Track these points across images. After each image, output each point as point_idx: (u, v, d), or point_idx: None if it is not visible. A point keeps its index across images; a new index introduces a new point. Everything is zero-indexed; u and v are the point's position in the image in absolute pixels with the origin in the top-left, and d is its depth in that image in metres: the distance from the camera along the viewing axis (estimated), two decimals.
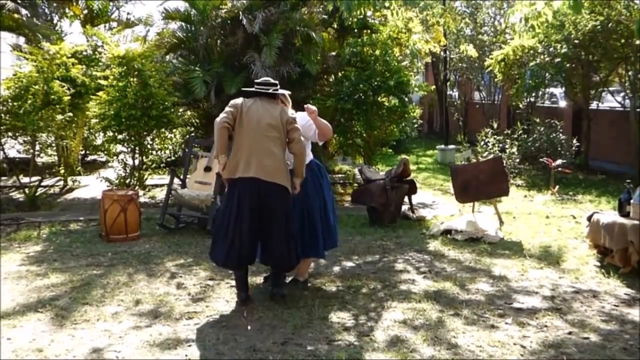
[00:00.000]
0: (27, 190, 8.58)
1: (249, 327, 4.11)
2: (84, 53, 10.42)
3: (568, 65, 11.56)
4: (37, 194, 8.71)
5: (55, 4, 12.37)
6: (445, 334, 3.99)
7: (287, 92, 4.84)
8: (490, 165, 7.69)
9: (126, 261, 5.73)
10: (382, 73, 9.43)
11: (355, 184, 9.94)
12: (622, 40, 10.54)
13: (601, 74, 11.89)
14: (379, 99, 9.60)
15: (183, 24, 9.94)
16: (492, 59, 12.74)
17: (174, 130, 9.80)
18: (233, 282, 4.77)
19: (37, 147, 9.02)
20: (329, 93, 9.81)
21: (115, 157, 9.30)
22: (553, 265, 5.66)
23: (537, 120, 11.92)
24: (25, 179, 9.05)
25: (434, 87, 17.07)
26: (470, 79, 18.07)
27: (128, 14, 16.22)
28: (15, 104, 8.09)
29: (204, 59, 9.45)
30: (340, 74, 9.95)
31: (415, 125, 15.46)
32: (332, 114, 9.47)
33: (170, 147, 10.06)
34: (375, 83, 9.33)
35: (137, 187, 8.82)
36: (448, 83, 17.19)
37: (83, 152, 12.49)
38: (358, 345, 3.81)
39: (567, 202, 8.91)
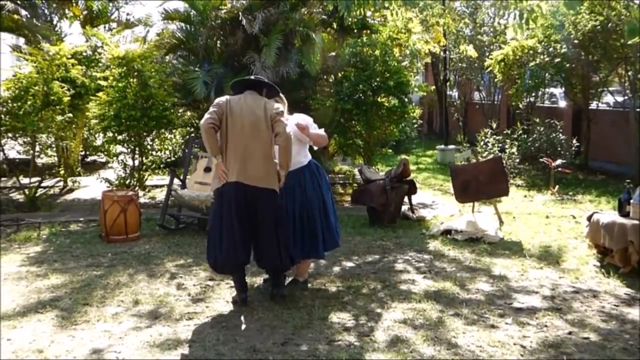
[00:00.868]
0: (27, 191, 8.58)
1: (243, 327, 4.11)
2: (84, 54, 10.43)
3: (568, 65, 11.57)
4: (37, 194, 8.71)
5: (54, 5, 12.38)
6: (446, 334, 3.99)
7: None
8: (490, 166, 7.70)
9: (126, 262, 5.73)
10: (382, 73, 9.44)
11: (355, 184, 9.95)
12: (622, 40, 10.53)
13: (601, 74, 11.90)
14: (378, 99, 9.60)
15: (183, 24, 9.94)
16: (491, 59, 12.75)
17: (174, 130, 9.82)
18: (232, 283, 4.77)
19: (37, 148, 9.02)
20: (329, 93, 9.81)
21: (115, 158, 9.31)
22: (553, 265, 5.66)
23: (537, 120, 11.92)
24: (25, 180, 9.05)
25: (433, 87, 17.09)
26: (470, 79, 18.08)
27: (128, 14, 16.25)
28: (15, 104, 8.09)
29: (204, 60, 9.46)
30: (340, 75, 9.95)
31: (415, 126, 15.48)
32: (332, 114, 9.48)
33: (170, 147, 10.07)
34: (375, 83, 9.33)
35: (137, 188, 8.82)
36: (448, 83, 17.19)
37: (83, 153, 12.50)
38: (358, 345, 3.81)
39: (567, 202, 8.91)
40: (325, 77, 10.61)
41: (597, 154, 12.19)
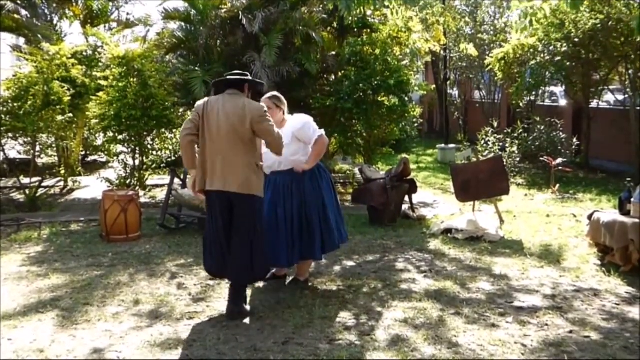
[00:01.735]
0: (27, 191, 8.58)
1: (244, 326, 4.11)
2: (84, 54, 10.43)
3: (568, 63, 11.56)
4: (38, 194, 8.72)
5: (55, 5, 12.40)
6: (446, 333, 3.99)
7: (276, 93, 4.79)
8: (491, 165, 7.70)
9: (127, 261, 5.73)
10: (382, 72, 9.43)
11: (356, 184, 9.94)
12: (622, 39, 10.54)
13: (601, 72, 11.88)
14: (379, 98, 9.60)
15: (183, 24, 9.94)
16: (492, 57, 12.73)
17: (174, 130, 9.79)
18: None
19: (38, 148, 9.01)
20: (329, 92, 9.81)
21: (115, 158, 9.31)
22: (554, 264, 5.66)
23: (538, 119, 11.92)
24: (25, 180, 9.05)
25: (434, 86, 17.08)
26: (471, 78, 18.07)
27: (128, 14, 16.29)
28: (15, 104, 8.10)
29: (204, 59, 9.45)
30: (340, 74, 9.95)
31: (416, 125, 15.46)
32: (332, 114, 9.48)
33: (171, 147, 10.06)
34: (375, 82, 9.33)
35: (137, 188, 8.81)
36: (448, 82, 17.19)
37: (83, 153, 12.49)
38: (359, 344, 3.81)
39: (568, 200, 8.91)
40: (325, 76, 10.61)
41: (597, 153, 12.19)
